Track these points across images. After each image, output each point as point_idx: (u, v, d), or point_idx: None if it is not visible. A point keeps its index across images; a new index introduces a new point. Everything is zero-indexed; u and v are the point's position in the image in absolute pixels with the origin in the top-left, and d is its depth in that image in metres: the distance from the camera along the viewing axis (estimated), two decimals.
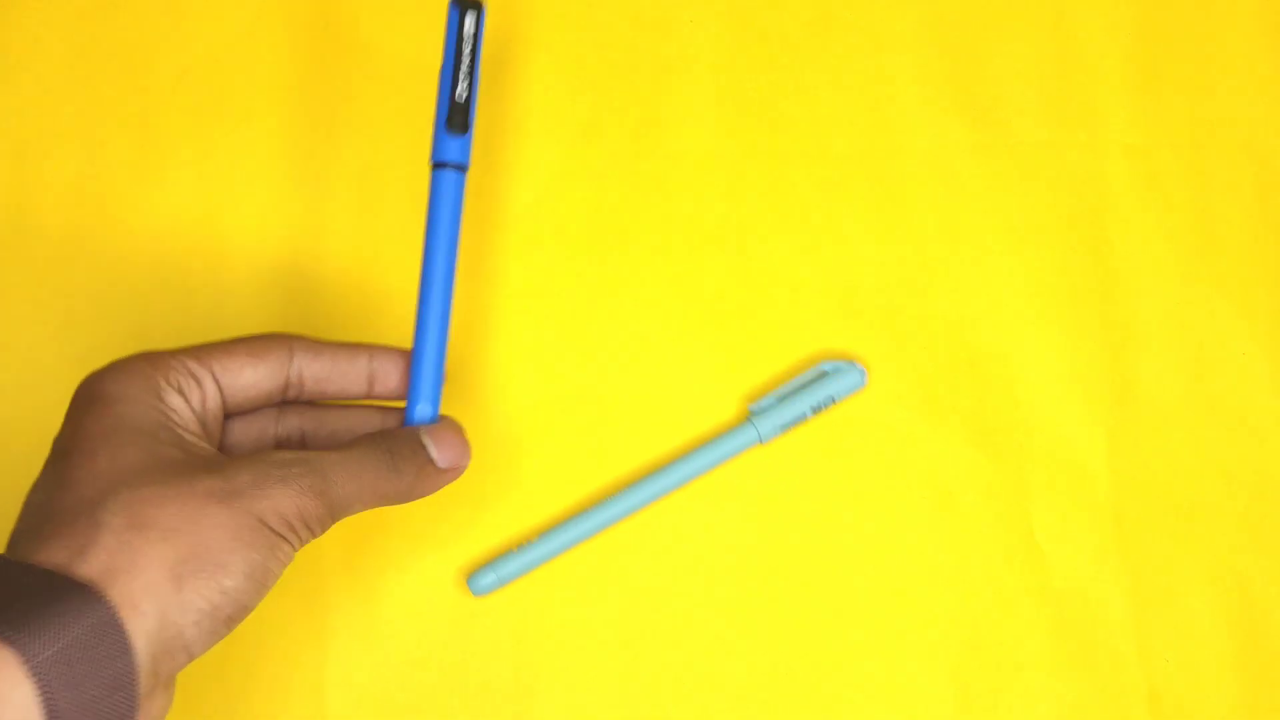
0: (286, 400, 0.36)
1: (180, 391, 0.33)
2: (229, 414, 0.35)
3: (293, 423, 0.37)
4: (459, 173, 0.37)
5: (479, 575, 0.42)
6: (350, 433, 0.37)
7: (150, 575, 0.28)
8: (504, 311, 0.46)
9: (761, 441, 0.43)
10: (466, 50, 0.37)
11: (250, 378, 0.35)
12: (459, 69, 0.37)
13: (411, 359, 0.37)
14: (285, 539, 0.31)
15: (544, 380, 0.45)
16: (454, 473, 0.36)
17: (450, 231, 0.37)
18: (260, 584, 0.30)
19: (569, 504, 0.44)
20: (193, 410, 0.33)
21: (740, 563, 0.43)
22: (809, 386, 0.43)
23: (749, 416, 0.43)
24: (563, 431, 0.44)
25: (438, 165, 0.37)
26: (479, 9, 0.37)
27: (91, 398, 0.32)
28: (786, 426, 0.43)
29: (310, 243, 0.46)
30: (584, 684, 0.42)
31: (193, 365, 0.34)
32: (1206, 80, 0.49)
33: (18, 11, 0.48)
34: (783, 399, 0.43)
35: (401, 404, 0.38)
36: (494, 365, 0.45)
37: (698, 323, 0.46)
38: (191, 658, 0.29)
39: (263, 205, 0.46)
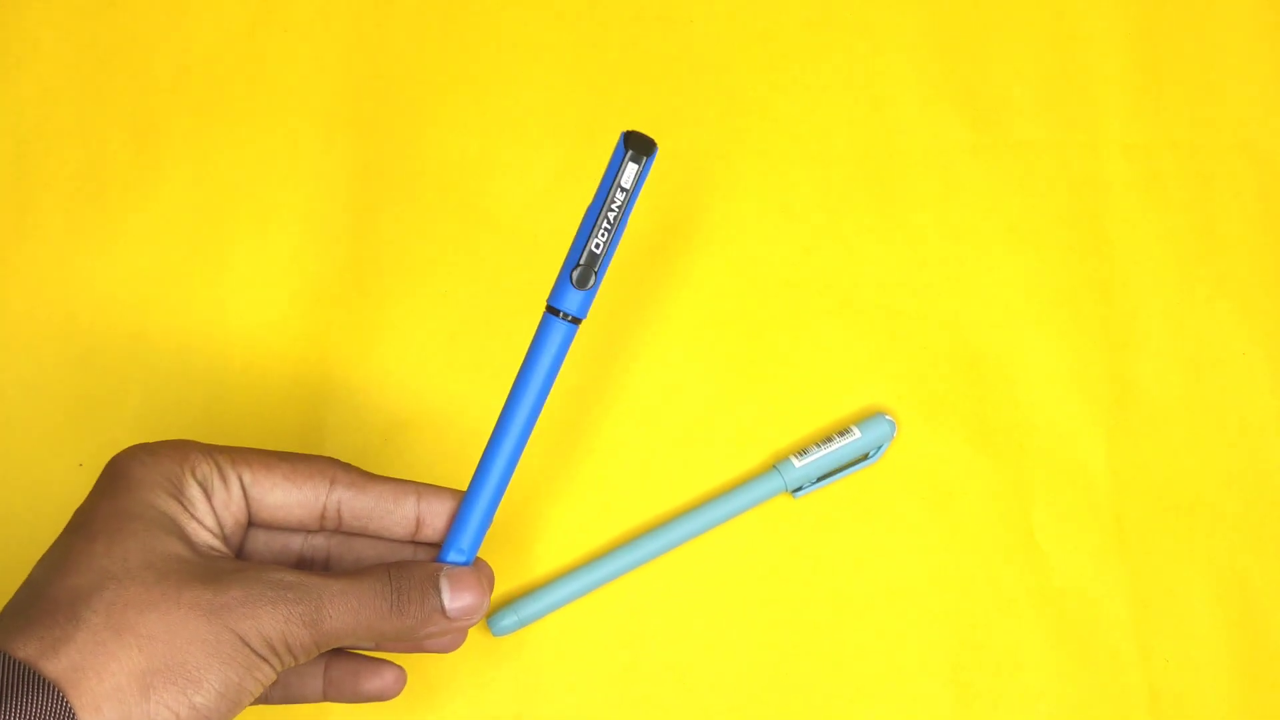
0: (321, 529, 0.35)
1: (203, 487, 0.32)
2: (254, 525, 0.34)
3: (319, 543, 0.36)
4: (572, 325, 0.33)
5: (500, 616, 0.41)
6: (377, 560, 0.35)
7: (118, 680, 0.28)
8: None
9: (787, 489, 0.43)
10: (618, 200, 0.32)
11: (281, 499, 0.34)
12: (602, 217, 0.32)
13: (463, 501, 0.35)
14: (265, 660, 0.30)
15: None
16: (464, 623, 0.34)
17: (545, 382, 0.34)
18: (234, 702, 0.30)
19: (591, 548, 0.43)
20: (213, 508, 0.33)
21: (740, 564, 0.43)
22: (840, 450, 0.43)
23: (774, 467, 0.43)
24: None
25: (551, 311, 0.33)
26: (650, 154, 0.32)
27: (114, 476, 0.32)
28: (813, 481, 0.43)
29: (313, 242, 0.46)
30: None
31: (224, 465, 0.33)
32: (1206, 80, 0.49)
33: (18, 11, 0.48)
34: (813, 460, 0.43)
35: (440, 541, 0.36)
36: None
37: (699, 326, 0.46)
38: None
39: (263, 205, 0.46)
